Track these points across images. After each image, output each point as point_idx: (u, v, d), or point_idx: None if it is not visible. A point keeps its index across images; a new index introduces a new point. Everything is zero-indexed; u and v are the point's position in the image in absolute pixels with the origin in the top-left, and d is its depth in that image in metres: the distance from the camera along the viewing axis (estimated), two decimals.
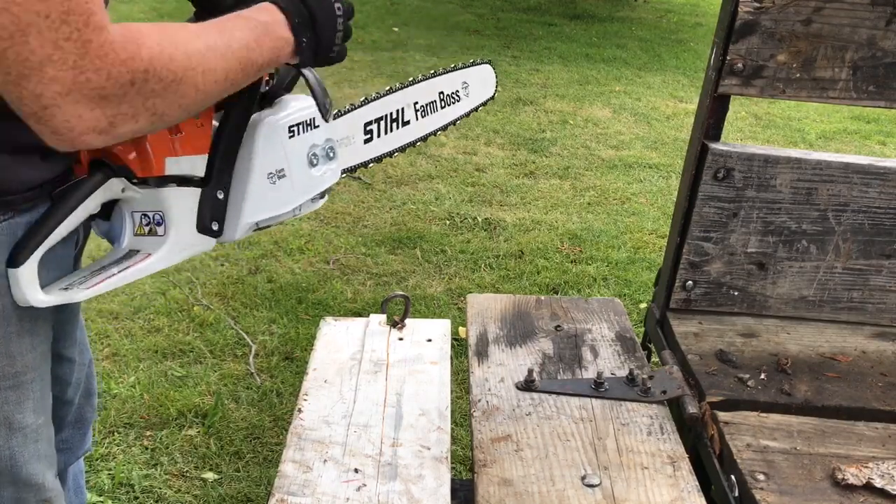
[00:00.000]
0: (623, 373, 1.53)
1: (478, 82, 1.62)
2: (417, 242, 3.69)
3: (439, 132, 1.55)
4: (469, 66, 1.59)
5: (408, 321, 1.73)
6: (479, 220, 3.97)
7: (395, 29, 8.18)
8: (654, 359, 1.80)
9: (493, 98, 1.68)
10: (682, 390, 1.51)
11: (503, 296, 1.83)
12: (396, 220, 3.90)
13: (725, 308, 1.77)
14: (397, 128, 1.44)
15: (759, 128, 5.86)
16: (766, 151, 1.65)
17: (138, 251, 1.05)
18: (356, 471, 1.29)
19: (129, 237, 1.06)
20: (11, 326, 0.98)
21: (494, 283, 3.39)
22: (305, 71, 1.06)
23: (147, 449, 2.33)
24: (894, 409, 1.49)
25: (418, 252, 3.61)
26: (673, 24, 9.71)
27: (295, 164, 1.14)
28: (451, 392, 1.55)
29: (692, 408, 1.46)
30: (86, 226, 1.10)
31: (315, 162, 1.17)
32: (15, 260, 0.94)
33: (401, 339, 1.69)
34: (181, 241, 1.06)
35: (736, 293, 1.75)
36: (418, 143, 1.51)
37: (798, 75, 1.58)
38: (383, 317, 1.74)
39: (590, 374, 1.54)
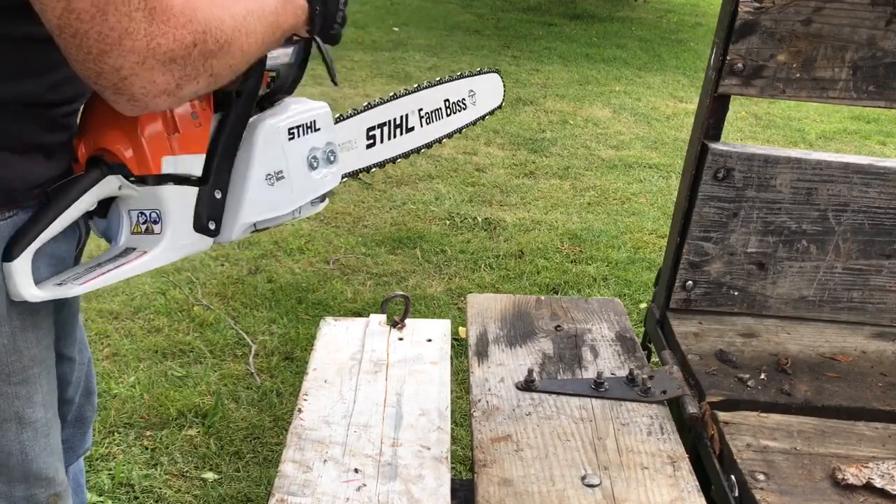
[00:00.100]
0: (623, 373, 1.53)
1: (485, 91, 1.61)
2: (417, 242, 3.69)
3: (444, 139, 1.54)
4: (476, 75, 1.59)
5: (408, 321, 1.73)
6: (479, 220, 3.97)
7: (395, 29, 8.18)
8: (654, 359, 1.80)
9: (500, 107, 1.67)
10: (682, 390, 1.51)
11: (503, 296, 1.83)
12: (396, 220, 3.90)
13: (725, 308, 1.77)
14: (401, 134, 1.44)
15: (759, 128, 5.86)
16: (766, 151, 1.65)
17: (134, 249, 1.05)
18: (356, 471, 1.29)
19: (125, 235, 1.06)
20: (16, 321, 0.98)
21: (494, 283, 3.39)
22: (319, 40, 1.10)
23: (147, 449, 2.33)
24: (894, 409, 1.49)
25: (418, 252, 3.61)
26: (673, 24, 9.71)
27: (294, 166, 1.14)
28: (451, 392, 1.55)
29: (692, 408, 1.46)
30: (87, 224, 1.10)
31: (315, 165, 1.17)
32: (9, 253, 0.94)
33: (401, 339, 1.69)
34: (178, 239, 1.06)
35: (736, 293, 1.75)
36: (422, 150, 1.50)
37: (798, 75, 1.58)
38: (383, 317, 1.74)
39: (590, 374, 1.54)
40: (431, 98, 1.49)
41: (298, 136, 1.14)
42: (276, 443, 2.38)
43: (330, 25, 1.12)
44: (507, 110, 5.69)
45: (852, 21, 1.53)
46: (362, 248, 3.61)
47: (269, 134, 1.10)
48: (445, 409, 1.47)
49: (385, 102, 1.40)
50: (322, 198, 1.22)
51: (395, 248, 3.64)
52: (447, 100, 1.52)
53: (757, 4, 1.52)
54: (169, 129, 1.01)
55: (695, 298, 1.75)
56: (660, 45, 8.42)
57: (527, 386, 1.49)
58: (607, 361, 1.60)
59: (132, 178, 1.00)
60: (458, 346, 2.68)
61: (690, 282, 1.74)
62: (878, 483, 1.26)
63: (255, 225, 1.13)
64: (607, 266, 3.59)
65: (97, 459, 2.27)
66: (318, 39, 1.11)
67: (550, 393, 1.48)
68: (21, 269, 0.94)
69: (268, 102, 1.13)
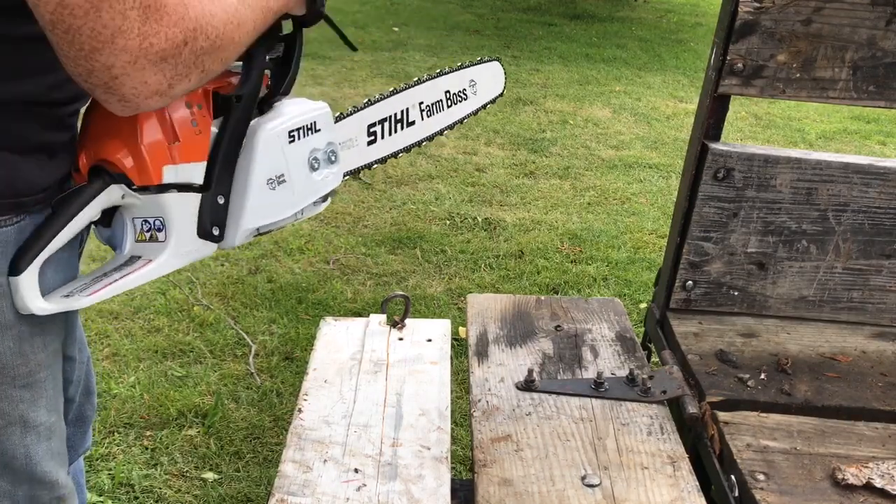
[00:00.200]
0: (623, 373, 1.53)
1: (486, 79, 1.60)
2: (417, 242, 3.69)
3: (446, 131, 1.53)
4: (477, 64, 1.57)
5: (408, 321, 1.73)
6: (479, 220, 3.97)
7: (395, 29, 8.18)
8: (654, 359, 1.80)
9: (501, 95, 1.65)
10: (682, 390, 1.51)
11: (503, 296, 1.83)
12: (396, 220, 3.90)
13: (725, 308, 1.77)
14: (402, 128, 1.42)
15: (759, 128, 5.86)
16: (766, 151, 1.65)
17: (140, 257, 1.05)
18: (356, 471, 1.29)
19: (130, 243, 1.06)
20: (23, 326, 0.98)
21: (494, 283, 3.39)
22: (325, 14, 1.11)
23: (147, 449, 2.33)
24: (894, 409, 1.49)
25: (418, 252, 3.61)
26: (673, 24, 9.71)
27: (295, 169, 1.13)
28: (451, 392, 1.55)
29: (692, 408, 1.46)
30: (87, 226, 1.10)
31: (316, 166, 1.17)
32: (15, 268, 0.94)
33: (401, 339, 1.69)
34: (182, 246, 1.06)
35: (736, 293, 1.75)
36: (424, 143, 1.49)
37: (798, 75, 1.58)
38: (383, 317, 1.74)
39: (590, 374, 1.54)
40: (432, 90, 1.47)
41: (299, 138, 1.13)
42: (276, 443, 2.38)
43: (321, 4, 1.11)
44: (507, 110, 5.69)
45: (852, 21, 1.53)
46: (362, 248, 3.61)
47: (268, 138, 1.09)
48: (445, 409, 1.47)
49: (385, 98, 1.39)
50: (324, 197, 1.21)
51: (395, 248, 3.64)
52: (448, 91, 1.50)
53: (757, 4, 1.52)
54: (169, 137, 1.00)
55: (695, 298, 1.75)
56: (660, 45, 8.42)
57: (527, 386, 1.49)
58: (607, 361, 1.60)
59: (134, 188, 1.00)
60: (458, 346, 2.68)
61: (690, 282, 1.74)
62: (878, 483, 1.26)
63: (258, 229, 1.13)
64: (607, 266, 3.59)
65: (97, 459, 2.27)
66: (326, 15, 1.11)
67: (550, 393, 1.48)
68: (28, 282, 0.95)
69: (266, 105, 1.12)
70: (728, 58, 1.55)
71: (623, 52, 7.91)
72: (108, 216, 1.05)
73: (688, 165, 1.69)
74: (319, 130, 1.16)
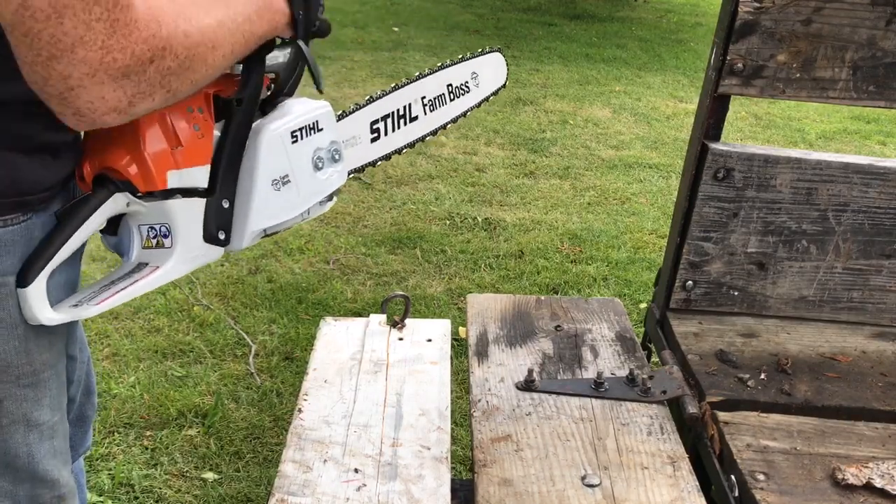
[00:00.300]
0: (623, 373, 1.53)
1: (488, 71, 1.59)
2: (417, 242, 3.69)
3: (449, 124, 1.52)
4: (479, 56, 1.56)
5: (408, 321, 1.73)
6: (479, 220, 3.97)
7: (395, 29, 8.18)
8: (654, 359, 1.80)
9: (504, 86, 1.64)
10: (682, 390, 1.51)
11: (503, 296, 1.83)
12: (396, 220, 3.90)
13: (725, 308, 1.77)
14: (405, 124, 1.42)
15: (759, 128, 5.86)
16: (766, 151, 1.65)
17: (147, 264, 1.05)
18: (356, 471, 1.29)
19: (137, 250, 1.06)
20: (28, 325, 0.99)
21: (494, 283, 3.39)
22: (301, 44, 1.08)
23: (147, 449, 2.33)
24: (894, 409, 1.49)
25: (418, 252, 3.61)
26: (673, 24, 9.71)
27: (299, 169, 1.13)
28: (451, 392, 1.55)
29: (692, 408, 1.46)
30: None
31: (320, 165, 1.16)
32: (23, 279, 0.94)
33: (401, 339, 1.69)
34: (189, 251, 1.06)
35: (736, 293, 1.75)
36: (428, 138, 1.49)
37: (798, 75, 1.58)
38: (383, 317, 1.74)
39: (590, 374, 1.54)
40: (434, 85, 1.46)
41: (302, 138, 1.13)
42: (276, 443, 2.38)
43: (313, 23, 1.10)
44: (507, 110, 5.70)
45: (852, 21, 1.53)
46: (362, 248, 3.62)
47: (272, 139, 1.09)
48: (445, 409, 1.47)
49: (387, 94, 1.38)
50: (330, 196, 1.21)
51: (395, 248, 3.64)
52: (450, 84, 1.50)
53: (757, 4, 1.52)
54: (172, 142, 1.00)
55: (695, 298, 1.75)
56: (660, 45, 8.42)
57: (527, 386, 1.49)
58: (607, 361, 1.60)
59: (139, 194, 1.00)
60: (458, 346, 2.68)
61: (690, 282, 1.74)
62: (878, 483, 1.26)
63: (264, 231, 1.13)
64: (607, 266, 3.59)
65: (97, 459, 2.27)
66: (301, 46, 1.08)
67: (550, 393, 1.48)
68: (36, 293, 0.95)
69: (269, 106, 1.12)
70: (728, 58, 1.55)
71: (623, 52, 7.91)
72: (114, 224, 1.05)
73: (688, 165, 1.69)
74: (322, 130, 1.16)
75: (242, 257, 3.43)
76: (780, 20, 1.53)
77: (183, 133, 1.01)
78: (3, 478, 1.04)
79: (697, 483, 1.27)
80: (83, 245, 1.12)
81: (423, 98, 1.44)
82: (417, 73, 1.45)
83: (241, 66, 1.07)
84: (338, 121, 1.23)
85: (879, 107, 1.63)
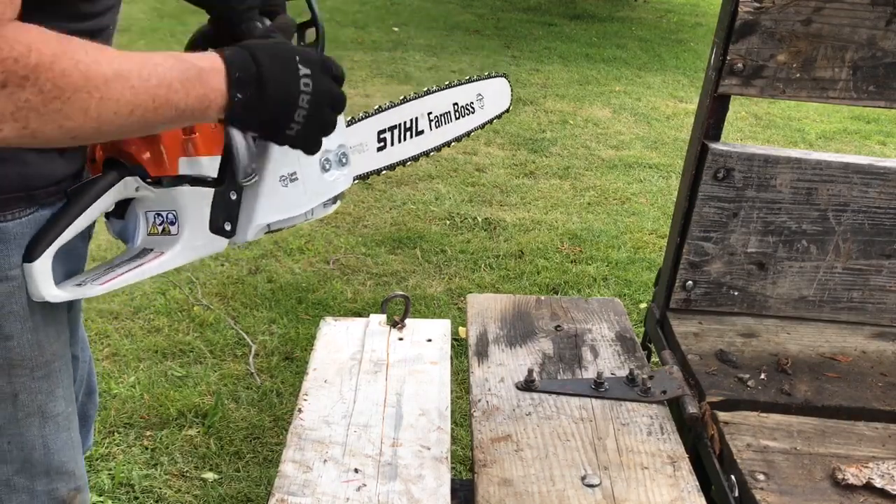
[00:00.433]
0: (623, 373, 1.53)
1: (493, 95, 1.61)
2: (417, 242, 3.69)
3: (452, 143, 1.55)
4: (485, 79, 1.60)
5: (408, 321, 1.73)
6: (479, 220, 3.97)
7: (395, 29, 8.18)
8: (654, 359, 1.80)
9: (507, 111, 1.67)
10: (682, 390, 1.51)
11: (503, 296, 1.83)
12: (396, 220, 3.90)
13: (725, 308, 1.77)
14: (411, 137, 1.44)
15: (759, 128, 5.86)
16: (766, 151, 1.65)
17: (151, 250, 1.06)
18: (356, 471, 1.29)
19: (142, 236, 1.07)
20: (38, 317, 1.00)
21: (494, 283, 3.39)
22: (230, 128, 0.97)
23: (147, 449, 2.33)
24: (894, 409, 1.49)
25: (418, 252, 3.61)
26: (673, 24, 9.71)
27: (307, 168, 1.15)
28: (451, 392, 1.55)
29: (692, 408, 1.46)
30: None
31: (328, 167, 1.18)
32: (30, 255, 0.95)
33: (401, 339, 1.69)
34: (194, 240, 1.07)
35: (736, 293, 1.75)
36: (431, 154, 1.51)
37: (798, 75, 1.58)
38: (383, 317, 1.74)
39: (590, 374, 1.54)
40: (441, 102, 1.49)
41: None
42: (276, 443, 2.38)
43: (278, 123, 0.96)
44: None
45: (852, 21, 1.53)
46: (362, 248, 3.61)
47: None
48: (445, 409, 1.47)
49: (396, 106, 1.41)
50: (334, 199, 1.23)
51: (395, 248, 3.64)
52: (456, 103, 1.52)
53: (757, 4, 1.52)
54: (186, 130, 1.02)
55: (695, 298, 1.75)
56: (660, 45, 8.42)
57: (527, 386, 1.49)
58: (607, 361, 1.60)
59: (149, 180, 1.01)
60: (458, 346, 2.68)
61: (690, 282, 1.74)
62: (878, 483, 1.26)
63: (269, 226, 1.14)
64: (607, 266, 3.59)
65: (97, 459, 2.27)
66: (229, 129, 0.97)
67: (550, 393, 1.48)
68: (42, 270, 0.96)
69: None
70: (728, 58, 1.55)
71: (623, 52, 7.91)
72: (122, 208, 1.06)
73: (688, 165, 1.69)
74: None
75: (242, 257, 3.43)
76: (780, 20, 1.53)
77: None
78: (20, 474, 1.05)
79: (697, 483, 1.27)
80: (90, 228, 1.13)
81: (430, 114, 1.47)
82: (426, 89, 1.48)
83: None
84: (347, 126, 1.25)
85: (879, 107, 1.64)
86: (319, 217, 1.23)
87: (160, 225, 1.06)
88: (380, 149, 1.39)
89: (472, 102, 1.56)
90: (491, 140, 5.10)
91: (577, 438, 1.36)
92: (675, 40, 8.73)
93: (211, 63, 0.90)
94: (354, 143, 1.31)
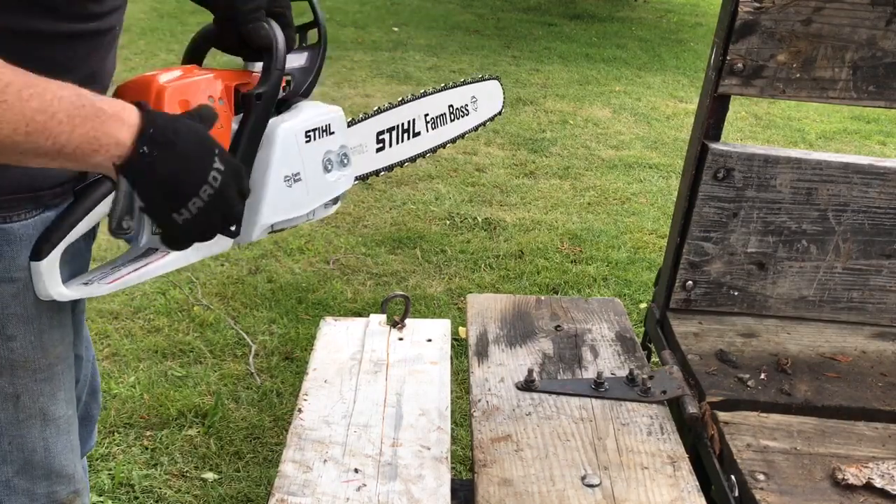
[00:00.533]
0: (623, 373, 1.53)
1: (486, 97, 1.64)
2: (417, 242, 3.69)
3: (447, 144, 1.57)
4: (479, 81, 1.62)
5: (408, 321, 1.73)
6: (479, 220, 3.97)
7: (395, 29, 8.18)
8: (654, 359, 1.80)
9: (500, 114, 1.69)
10: (682, 390, 1.51)
11: (503, 296, 1.83)
12: (396, 220, 3.90)
13: (725, 308, 1.77)
14: (408, 138, 1.47)
15: (759, 128, 5.86)
16: (766, 151, 1.65)
17: (156, 249, 1.07)
18: (356, 471, 1.29)
19: (147, 235, 1.07)
20: (43, 319, 1.01)
21: (494, 283, 3.39)
22: (121, 177, 0.89)
23: (147, 449, 2.33)
24: (894, 409, 1.49)
25: (418, 252, 3.61)
26: (673, 24, 9.71)
27: (310, 168, 1.16)
28: (451, 392, 1.55)
29: (692, 408, 1.46)
30: None
31: (329, 168, 1.19)
32: (37, 253, 0.95)
33: (401, 339, 1.69)
34: None
35: (736, 293, 1.75)
36: (427, 155, 1.53)
37: (798, 75, 1.58)
38: (383, 317, 1.74)
39: (590, 374, 1.54)
40: (437, 103, 1.51)
41: (314, 139, 1.16)
42: (276, 443, 2.38)
43: (173, 202, 0.90)
44: (507, 110, 5.69)
45: (852, 21, 1.53)
46: (362, 248, 3.61)
47: (287, 136, 1.12)
48: (445, 409, 1.47)
49: (394, 107, 1.43)
50: (335, 200, 1.24)
51: (395, 248, 3.64)
52: (451, 105, 1.54)
53: (757, 4, 1.52)
54: None
55: (695, 298, 1.75)
56: (660, 45, 8.42)
57: (527, 386, 1.49)
58: (607, 361, 1.60)
59: None
60: (458, 346, 2.68)
61: (690, 282, 1.74)
62: (878, 483, 1.26)
63: (272, 226, 1.15)
64: (607, 266, 3.59)
65: (97, 459, 2.27)
66: (121, 182, 0.89)
67: (550, 393, 1.48)
68: (49, 268, 0.96)
69: (284, 106, 1.15)
70: (728, 58, 1.55)
71: (623, 52, 7.91)
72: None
73: (688, 165, 1.69)
74: (334, 133, 1.19)
75: (242, 257, 3.43)
76: (780, 20, 1.53)
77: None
78: (20, 475, 1.05)
79: (697, 483, 1.27)
80: (94, 228, 1.13)
81: (427, 115, 1.49)
82: (423, 91, 1.50)
83: (260, 63, 1.10)
84: (347, 127, 1.26)
85: (879, 107, 1.64)
86: (320, 217, 1.24)
87: None
88: (379, 150, 1.41)
89: (467, 105, 1.58)
90: (491, 140, 5.10)
91: (577, 438, 1.36)
92: (675, 40, 8.73)
93: (117, 110, 0.86)
94: (354, 143, 1.32)
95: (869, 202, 1.67)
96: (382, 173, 1.45)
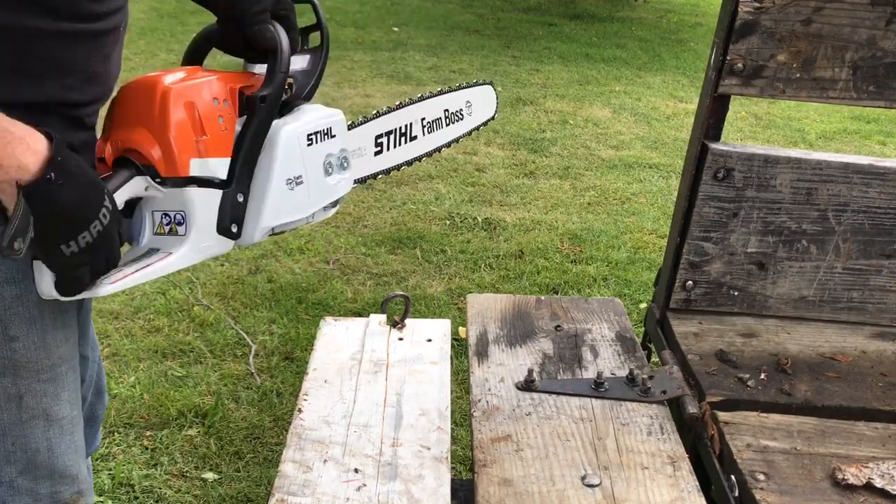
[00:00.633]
0: (623, 373, 1.53)
1: (480, 102, 1.66)
2: (417, 242, 3.69)
3: (443, 148, 1.59)
4: (473, 86, 1.64)
5: (408, 321, 1.73)
6: (479, 220, 3.97)
7: (395, 29, 8.18)
8: (654, 359, 1.80)
9: (493, 118, 1.71)
10: (682, 390, 1.51)
11: (503, 296, 1.83)
12: (396, 220, 3.90)
13: (725, 308, 1.77)
14: (406, 142, 1.48)
15: (759, 128, 5.86)
16: (766, 151, 1.65)
17: (158, 250, 1.07)
18: (356, 471, 1.29)
19: (148, 236, 1.08)
20: (47, 319, 1.01)
21: (494, 283, 3.39)
22: (23, 202, 0.87)
23: (147, 449, 2.33)
24: (894, 409, 1.49)
25: (418, 252, 3.61)
26: (673, 24, 9.71)
27: (312, 171, 1.17)
28: (451, 392, 1.55)
29: (692, 408, 1.46)
30: None
31: (330, 171, 1.20)
32: None
33: (401, 339, 1.69)
34: (201, 241, 1.08)
35: (736, 293, 1.75)
36: (423, 159, 1.54)
37: (798, 75, 1.58)
38: (383, 317, 1.74)
39: (590, 374, 1.54)
40: (433, 107, 1.53)
41: (316, 142, 1.17)
42: (276, 443, 2.38)
43: (61, 231, 0.90)
44: (508, 110, 5.70)
45: (852, 21, 1.53)
46: (362, 248, 3.61)
47: (289, 139, 1.13)
48: (445, 409, 1.47)
49: (392, 111, 1.44)
50: (334, 203, 1.24)
51: (395, 248, 3.64)
52: (446, 109, 1.56)
53: (757, 4, 1.52)
54: (197, 131, 1.03)
55: (695, 298, 1.75)
56: (660, 45, 8.42)
57: (527, 386, 1.49)
58: (607, 361, 1.60)
59: (158, 180, 1.02)
60: (458, 346, 2.68)
61: (690, 282, 1.74)
62: (878, 483, 1.26)
63: (273, 228, 1.16)
64: (607, 266, 3.59)
65: (97, 459, 2.27)
66: (26, 203, 0.87)
67: (550, 393, 1.48)
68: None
69: (286, 108, 1.16)
70: (728, 58, 1.55)
71: (623, 52, 7.91)
72: (129, 207, 1.07)
73: (688, 165, 1.69)
74: (335, 136, 1.20)
75: (242, 257, 3.43)
76: (780, 20, 1.53)
77: (208, 123, 1.03)
78: (24, 475, 1.05)
79: (697, 483, 1.27)
80: None
81: (423, 119, 1.50)
82: (420, 95, 1.51)
83: (264, 66, 1.10)
84: (347, 130, 1.27)
85: (879, 107, 1.64)
86: (319, 220, 1.25)
87: (167, 225, 1.07)
88: (377, 153, 1.42)
89: (461, 109, 1.60)
90: (491, 140, 5.10)
91: (577, 438, 1.36)
92: (675, 40, 8.73)
93: (24, 135, 0.86)
94: (354, 147, 1.33)
95: (869, 202, 1.67)
96: (380, 175, 1.46)
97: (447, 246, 3.67)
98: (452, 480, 1.30)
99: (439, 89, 1.56)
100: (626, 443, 1.36)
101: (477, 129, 1.68)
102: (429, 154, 1.56)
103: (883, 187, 1.65)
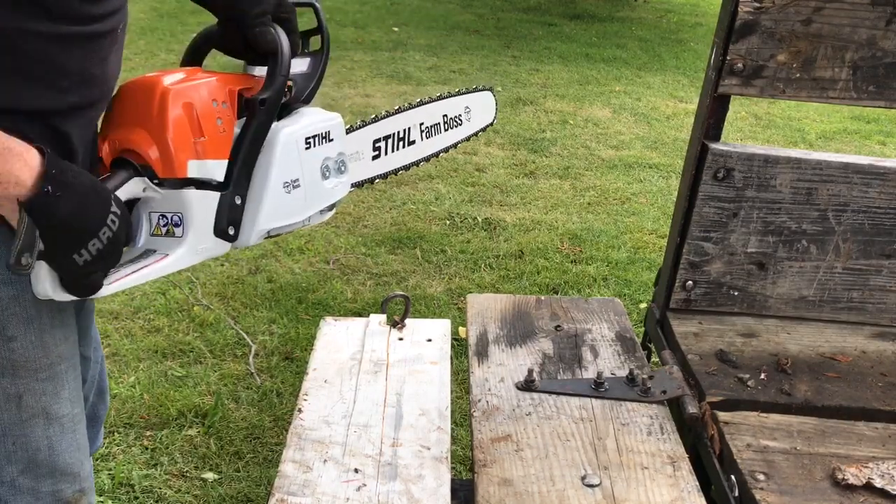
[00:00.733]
0: (623, 373, 1.53)
1: (479, 108, 1.66)
2: (417, 242, 3.69)
3: (441, 154, 1.58)
4: (473, 92, 1.64)
5: (408, 321, 1.73)
6: (479, 220, 3.97)
7: (395, 29, 8.18)
8: (654, 359, 1.80)
9: (492, 124, 1.71)
10: (682, 390, 1.51)
11: (503, 296, 1.83)
12: (396, 220, 3.90)
13: (725, 308, 1.77)
14: (403, 147, 1.48)
15: (759, 128, 5.86)
16: (766, 151, 1.65)
17: (155, 251, 1.07)
18: (356, 471, 1.29)
19: (145, 237, 1.08)
20: (44, 319, 1.01)
21: (494, 283, 3.39)
22: (25, 217, 0.88)
23: (147, 449, 2.33)
24: (894, 409, 1.49)
25: (418, 252, 3.61)
26: (673, 24, 9.71)
27: (309, 174, 1.17)
28: (451, 392, 1.55)
29: (692, 408, 1.46)
30: None
31: (327, 174, 1.20)
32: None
33: (401, 339, 1.69)
34: (198, 243, 1.08)
35: (736, 293, 1.75)
36: (421, 164, 1.54)
37: (798, 75, 1.58)
38: (383, 317, 1.74)
39: (590, 374, 1.54)
40: (431, 112, 1.53)
41: (314, 145, 1.17)
42: (276, 443, 2.38)
43: (70, 241, 0.91)
44: (508, 110, 5.70)
45: (852, 21, 1.53)
46: (362, 248, 3.61)
47: (287, 142, 1.12)
48: (445, 409, 1.47)
49: (390, 115, 1.44)
50: (331, 207, 1.24)
51: (395, 248, 3.64)
52: (445, 115, 1.56)
53: (757, 4, 1.52)
54: (195, 132, 1.02)
55: (695, 298, 1.75)
56: (660, 45, 8.42)
57: (527, 386, 1.49)
58: (607, 361, 1.60)
59: (156, 181, 1.01)
60: (458, 346, 2.68)
61: (690, 282, 1.74)
62: (878, 483, 1.26)
63: (269, 231, 1.15)
64: (607, 266, 3.59)
65: (97, 459, 2.27)
66: (24, 216, 0.88)
67: (550, 393, 1.48)
68: (48, 269, 0.96)
69: (285, 111, 1.16)
70: (728, 58, 1.55)
71: (623, 52, 7.91)
72: (127, 208, 1.07)
73: (688, 165, 1.69)
74: (332, 140, 1.20)
75: (242, 257, 3.43)
76: (780, 20, 1.53)
77: (207, 124, 1.03)
78: (25, 474, 1.05)
79: (697, 483, 1.27)
80: None
81: (422, 124, 1.50)
82: (419, 100, 1.52)
83: (264, 68, 1.10)
84: (346, 134, 1.27)
85: (879, 107, 1.64)
86: (316, 223, 1.25)
87: (164, 226, 1.07)
88: (374, 157, 1.42)
89: (461, 115, 1.60)
90: (491, 140, 5.10)
91: (577, 438, 1.36)
92: (675, 40, 8.73)
93: (21, 150, 0.87)
94: (352, 151, 1.33)
95: (869, 202, 1.67)
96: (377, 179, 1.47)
97: (447, 246, 3.67)
98: (452, 480, 1.30)
99: (438, 94, 1.56)
100: (626, 443, 1.36)
101: (475, 134, 1.68)
102: (426, 159, 1.56)
103: (883, 187, 1.65)
